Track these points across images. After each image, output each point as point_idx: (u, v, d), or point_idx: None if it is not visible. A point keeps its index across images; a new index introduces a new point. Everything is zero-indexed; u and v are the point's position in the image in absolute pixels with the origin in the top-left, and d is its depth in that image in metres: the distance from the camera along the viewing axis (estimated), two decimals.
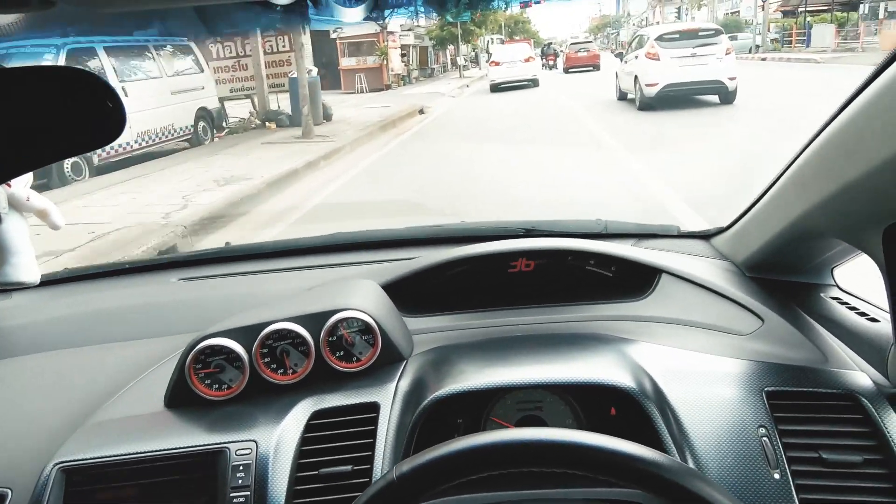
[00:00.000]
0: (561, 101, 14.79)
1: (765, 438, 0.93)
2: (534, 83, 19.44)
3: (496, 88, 19.26)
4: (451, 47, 35.23)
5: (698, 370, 1.05)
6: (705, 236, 1.53)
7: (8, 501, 0.94)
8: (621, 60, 13.06)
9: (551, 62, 32.06)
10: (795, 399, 0.99)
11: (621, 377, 0.99)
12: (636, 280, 1.35)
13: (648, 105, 10.87)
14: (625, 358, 1.06)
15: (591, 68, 25.27)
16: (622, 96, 12.98)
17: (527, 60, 19.59)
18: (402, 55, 27.82)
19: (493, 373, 1.02)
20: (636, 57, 11.51)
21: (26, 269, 1.26)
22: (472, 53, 41.58)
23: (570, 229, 1.56)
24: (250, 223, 5.85)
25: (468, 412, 1.05)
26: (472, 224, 1.76)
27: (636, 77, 11.28)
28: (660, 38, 11.17)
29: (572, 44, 28.46)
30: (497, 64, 19.67)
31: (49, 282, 1.57)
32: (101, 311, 1.47)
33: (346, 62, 24.09)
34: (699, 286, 1.30)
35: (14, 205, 1.20)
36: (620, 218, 1.64)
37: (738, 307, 1.24)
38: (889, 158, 0.79)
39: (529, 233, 1.52)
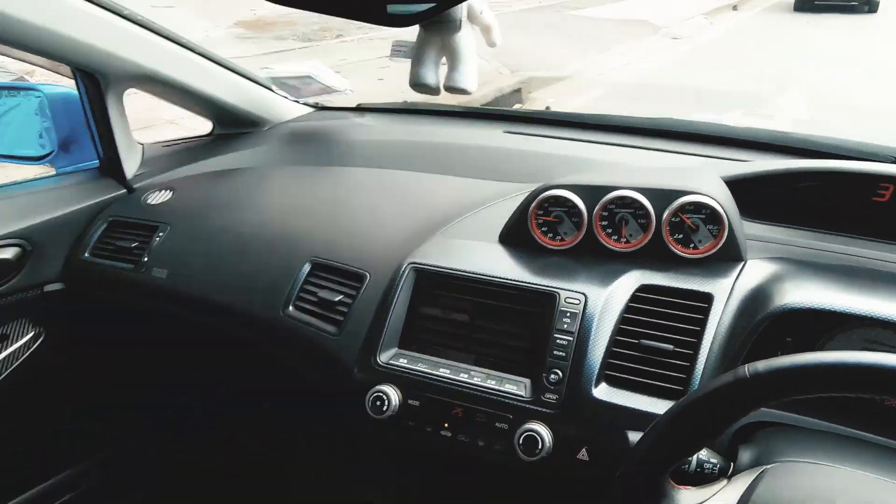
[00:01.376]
0: None
1: None
2: (871, 7, 14.03)
3: (804, 6, 14.06)
4: None
5: None
6: None
7: (366, 282, 1.14)
8: None
9: None
10: None
11: None
12: None
13: None
14: None
15: None
16: None
17: None
18: None
19: (853, 300, 0.93)
20: None
21: (470, 77, 1.30)
22: None
23: None
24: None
25: (799, 334, 0.96)
26: (823, 137, 1.48)
27: None
28: None
29: None
30: None
31: (391, 110, 1.85)
32: (440, 144, 1.63)
33: None
34: None
35: (469, 16, 1.23)
36: None
37: None
38: None
39: None
